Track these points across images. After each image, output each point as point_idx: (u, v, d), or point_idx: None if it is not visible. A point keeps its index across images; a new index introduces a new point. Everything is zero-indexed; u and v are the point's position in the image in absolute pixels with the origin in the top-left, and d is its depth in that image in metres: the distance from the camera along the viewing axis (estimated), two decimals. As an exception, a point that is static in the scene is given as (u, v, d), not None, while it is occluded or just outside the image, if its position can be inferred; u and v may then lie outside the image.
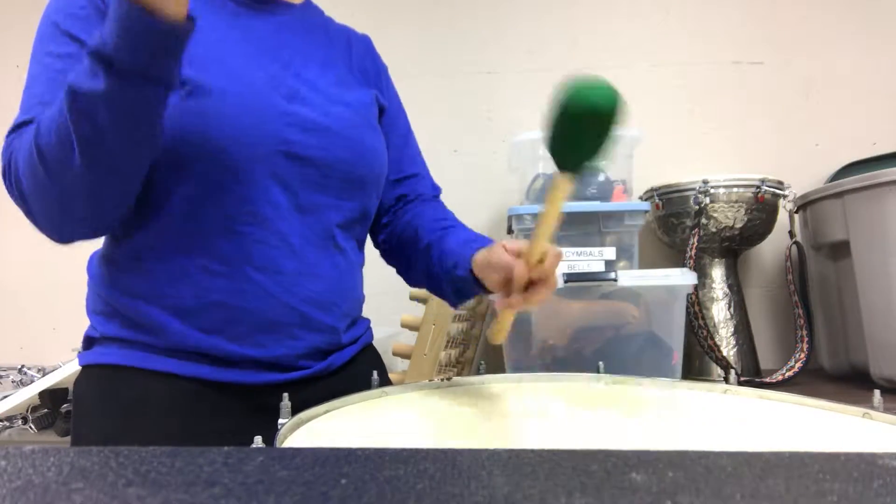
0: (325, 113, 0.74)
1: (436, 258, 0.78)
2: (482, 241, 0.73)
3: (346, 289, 0.78)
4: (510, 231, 1.34)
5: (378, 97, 0.86)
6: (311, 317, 0.73)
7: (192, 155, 0.65)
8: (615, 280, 1.10)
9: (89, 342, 0.74)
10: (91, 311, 0.74)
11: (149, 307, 0.69)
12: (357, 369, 0.82)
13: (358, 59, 0.86)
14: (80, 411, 0.73)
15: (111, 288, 0.71)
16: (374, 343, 0.92)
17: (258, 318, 0.70)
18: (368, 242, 0.88)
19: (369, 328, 0.88)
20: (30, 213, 0.64)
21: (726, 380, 0.78)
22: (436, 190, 0.93)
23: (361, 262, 0.84)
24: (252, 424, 0.70)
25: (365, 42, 0.90)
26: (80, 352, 0.74)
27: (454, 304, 0.80)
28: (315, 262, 0.73)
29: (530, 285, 0.63)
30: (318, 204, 0.74)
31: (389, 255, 0.90)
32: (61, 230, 0.65)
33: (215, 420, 0.70)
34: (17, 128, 0.64)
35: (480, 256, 0.69)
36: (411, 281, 0.88)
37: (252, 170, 0.68)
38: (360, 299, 0.84)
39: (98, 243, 0.75)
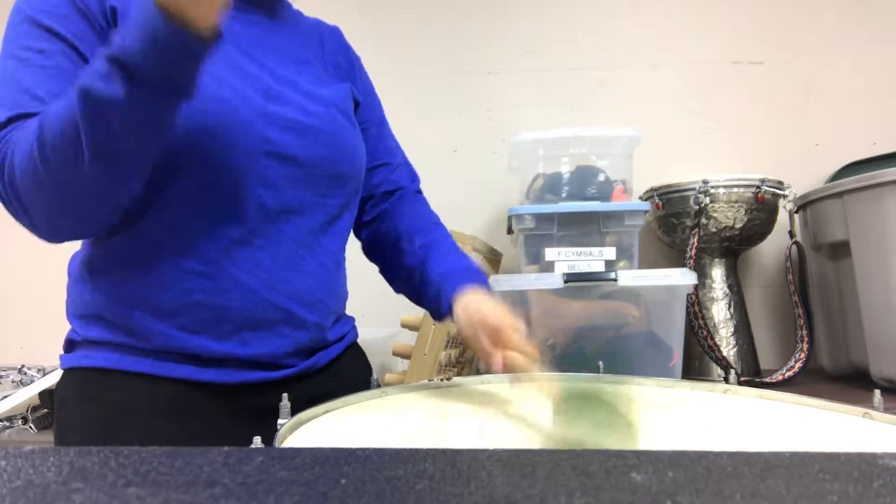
0: (304, 111, 0.74)
1: (418, 283, 0.81)
2: (462, 277, 0.76)
3: (332, 286, 0.79)
4: (510, 231, 1.34)
5: (353, 91, 0.85)
6: (296, 314, 0.73)
7: (173, 157, 0.65)
8: (615, 280, 1.10)
9: (71, 345, 0.73)
10: (72, 315, 0.73)
11: (131, 309, 0.68)
12: (342, 367, 0.82)
13: (331, 53, 0.86)
14: (64, 415, 0.72)
15: (93, 291, 0.70)
16: (375, 343, 0.92)
17: (242, 316, 0.69)
18: (352, 240, 0.89)
19: (354, 326, 0.88)
20: (23, 212, 0.63)
21: (726, 380, 0.78)
22: (415, 179, 0.93)
23: (344, 259, 0.84)
24: (238, 424, 0.70)
25: (336, 35, 0.89)
26: (61, 355, 0.74)
27: (439, 319, 0.83)
28: (300, 259, 0.73)
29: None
30: (301, 202, 0.74)
31: (370, 254, 0.92)
32: (56, 229, 0.65)
33: (200, 421, 0.69)
34: (9, 123, 0.62)
35: (462, 315, 0.72)
36: (393, 286, 0.90)
37: (234, 170, 0.68)
38: (344, 296, 0.84)
39: (78, 244, 0.74)
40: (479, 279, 0.77)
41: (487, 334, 0.69)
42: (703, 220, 1.36)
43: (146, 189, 0.66)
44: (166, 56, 0.55)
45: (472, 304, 0.72)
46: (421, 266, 0.81)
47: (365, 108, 0.88)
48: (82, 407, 0.70)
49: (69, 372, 0.72)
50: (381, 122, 0.92)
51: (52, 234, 0.65)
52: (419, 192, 0.93)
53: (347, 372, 0.83)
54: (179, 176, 0.66)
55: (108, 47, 0.56)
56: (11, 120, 0.63)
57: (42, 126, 0.59)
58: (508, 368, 0.66)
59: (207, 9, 0.56)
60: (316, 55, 0.83)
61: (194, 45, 0.56)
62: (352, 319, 0.88)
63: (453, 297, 0.74)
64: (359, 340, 0.91)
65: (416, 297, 0.84)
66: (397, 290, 0.88)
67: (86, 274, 0.71)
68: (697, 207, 1.35)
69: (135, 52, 0.54)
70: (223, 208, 0.68)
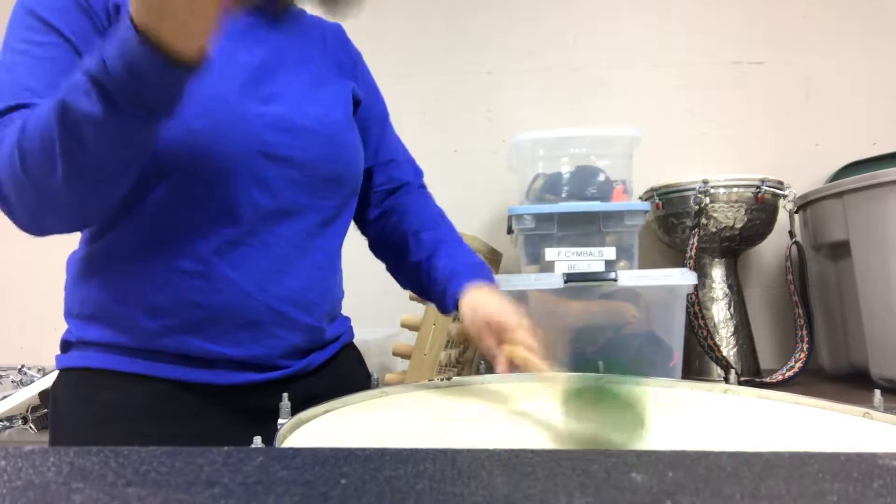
0: (302, 112, 0.73)
1: (425, 278, 0.82)
2: (467, 274, 0.77)
3: (327, 287, 0.78)
4: (510, 231, 1.34)
5: (354, 89, 0.85)
6: (289, 316, 0.72)
7: (168, 158, 0.65)
8: (615, 280, 1.10)
9: (66, 346, 0.73)
10: (68, 315, 0.73)
11: (126, 308, 0.68)
12: (338, 368, 0.82)
13: (332, 51, 0.85)
14: (58, 415, 0.72)
15: (89, 289, 0.70)
16: (375, 343, 0.92)
17: (235, 317, 0.69)
18: (353, 240, 0.88)
19: (350, 327, 0.88)
20: (4, 204, 0.62)
21: (726, 380, 0.78)
22: (419, 175, 0.93)
23: (339, 260, 0.84)
24: (232, 425, 0.70)
25: (338, 32, 0.88)
26: (57, 355, 0.74)
27: (445, 314, 0.83)
28: (295, 261, 0.73)
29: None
30: (297, 203, 0.73)
31: (377, 251, 0.92)
32: (40, 225, 0.64)
33: (195, 422, 0.69)
34: (3, 114, 0.62)
35: (467, 312, 0.73)
36: (400, 282, 0.91)
37: (230, 171, 0.67)
38: (339, 297, 0.84)
39: (76, 243, 0.74)
40: (485, 275, 0.77)
41: (492, 331, 0.69)
42: (703, 220, 1.36)
43: (140, 188, 0.66)
44: (143, 83, 0.52)
45: (477, 301, 0.73)
46: (427, 263, 0.82)
47: (366, 106, 0.87)
48: (76, 407, 0.70)
49: (64, 372, 0.72)
50: (384, 119, 0.91)
51: (37, 229, 0.65)
52: (423, 186, 0.93)
53: (343, 372, 0.83)
54: (173, 175, 0.66)
55: (90, 59, 0.53)
56: (3, 112, 0.62)
57: (24, 131, 0.58)
58: (512, 367, 0.66)
59: (191, 37, 0.51)
60: (318, 54, 0.83)
61: (175, 73, 0.52)
62: (348, 320, 0.88)
63: (459, 294, 0.75)
64: (360, 340, 0.90)
65: (423, 293, 0.85)
66: (404, 286, 0.89)
67: (82, 272, 0.71)
68: (697, 207, 1.35)
69: (111, 73, 0.51)
70: (217, 208, 0.68)
